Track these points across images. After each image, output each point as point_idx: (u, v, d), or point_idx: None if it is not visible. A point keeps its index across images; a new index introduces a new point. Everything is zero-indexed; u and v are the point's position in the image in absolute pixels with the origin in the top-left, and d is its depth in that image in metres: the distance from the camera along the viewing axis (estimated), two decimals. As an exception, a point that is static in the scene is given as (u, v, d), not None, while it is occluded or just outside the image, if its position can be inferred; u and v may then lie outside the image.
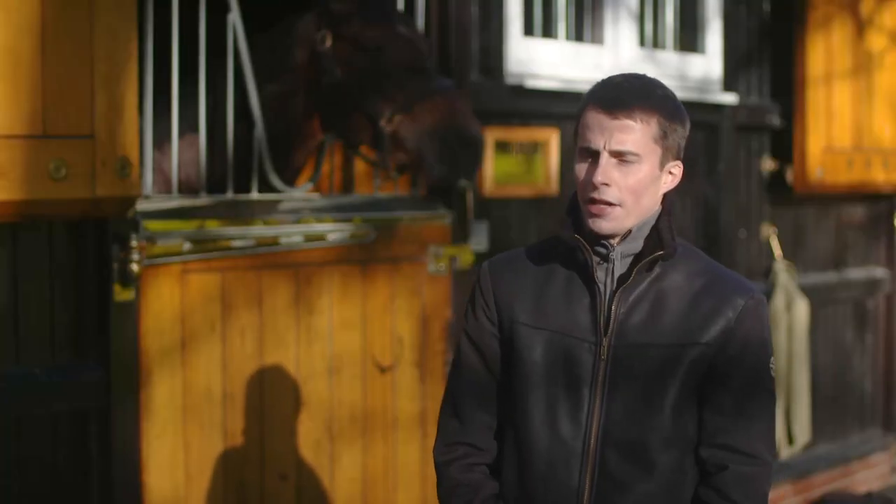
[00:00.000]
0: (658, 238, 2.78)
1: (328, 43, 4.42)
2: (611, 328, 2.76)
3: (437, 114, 4.37)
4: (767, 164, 6.72)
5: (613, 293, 2.77)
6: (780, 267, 6.70)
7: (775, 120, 6.69)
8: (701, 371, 2.76)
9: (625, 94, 2.71)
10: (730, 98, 6.37)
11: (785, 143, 6.68)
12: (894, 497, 6.84)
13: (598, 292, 2.78)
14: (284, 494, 4.44)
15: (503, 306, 2.86)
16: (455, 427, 2.91)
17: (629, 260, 2.79)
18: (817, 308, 6.96)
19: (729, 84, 6.47)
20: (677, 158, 2.80)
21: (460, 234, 4.95)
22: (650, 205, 2.78)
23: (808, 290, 6.82)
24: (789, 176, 6.66)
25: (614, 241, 2.77)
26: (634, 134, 2.70)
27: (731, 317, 2.76)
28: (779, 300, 6.62)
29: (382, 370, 4.69)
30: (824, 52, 6.67)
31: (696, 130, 6.23)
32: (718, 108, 6.35)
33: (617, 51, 5.87)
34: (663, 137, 2.73)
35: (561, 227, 2.82)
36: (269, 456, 4.40)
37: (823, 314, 7.09)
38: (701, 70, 6.34)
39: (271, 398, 4.41)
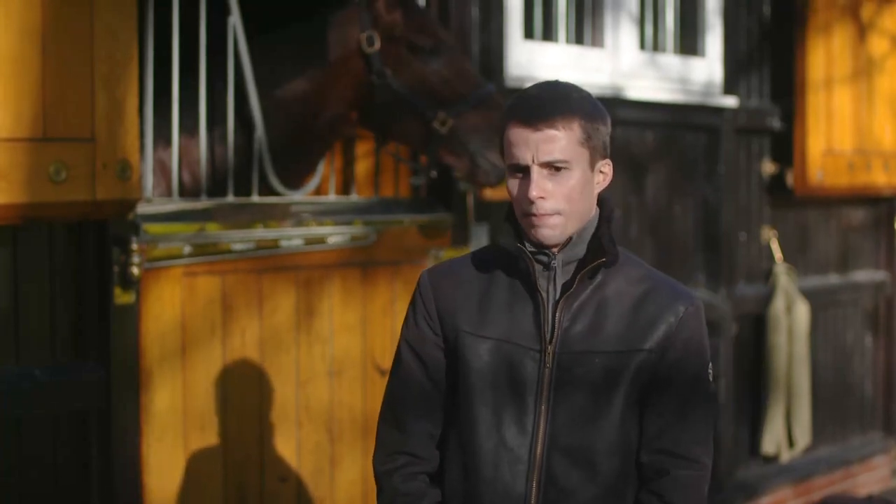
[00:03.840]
0: (599, 246, 2.79)
1: (377, 45, 4.47)
2: (554, 336, 2.78)
3: (490, 119, 4.48)
4: (768, 167, 6.72)
5: (557, 301, 2.79)
6: (781, 269, 6.70)
7: (776, 123, 6.69)
8: (644, 377, 2.79)
9: (543, 105, 2.73)
10: (730, 101, 6.38)
11: (785, 146, 6.69)
12: (895, 500, 6.84)
13: (541, 301, 2.79)
14: (285, 497, 4.45)
15: (445, 315, 2.87)
16: (395, 437, 2.91)
17: (571, 267, 2.80)
18: (818, 311, 6.96)
19: (729, 87, 6.47)
20: (605, 157, 2.81)
21: (461, 237, 4.96)
22: (587, 208, 2.80)
23: (808, 293, 6.82)
24: (790, 179, 6.66)
25: (555, 249, 2.79)
26: (560, 142, 2.71)
27: (673, 322, 2.79)
28: (779, 303, 6.63)
29: (383, 373, 4.69)
30: (825, 55, 6.68)
31: (697, 133, 6.29)
32: (719, 110, 6.36)
33: (617, 54, 5.87)
34: (588, 139, 2.75)
35: (502, 236, 2.84)
36: (269, 458, 4.40)
37: (824, 317, 7.10)
38: (701, 73, 6.34)
39: (271, 401, 4.41)
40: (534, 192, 2.71)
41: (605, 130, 2.79)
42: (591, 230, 2.81)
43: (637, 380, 2.78)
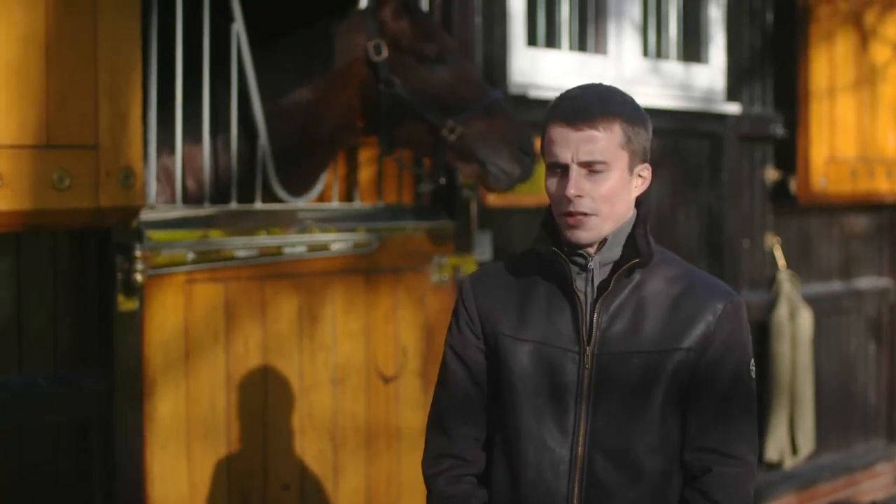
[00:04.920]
0: (634, 246, 2.81)
1: (385, 53, 4.46)
2: (593, 337, 2.80)
3: (498, 125, 4.50)
4: (771, 174, 6.72)
5: (594, 302, 2.81)
6: (784, 277, 6.69)
7: (779, 130, 6.69)
8: (684, 376, 2.81)
9: (585, 106, 2.76)
10: (733, 108, 6.37)
11: (788, 153, 6.68)
12: (898, 507, 6.84)
13: (578, 302, 2.82)
14: (288, 504, 4.45)
15: (486, 319, 2.90)
16: (442, 441, 2.95)
17: (608, 268, 2.83)
18: (821, 318, 6.95)
19: (732, 94, 6.47)
20: (645, 161, 2.85)
21: (463, 244, 4.95)
22: (624, 210, 2.83)
23: (811, 300, 6.82)
24: (793, 186, 6.66)
25: (591, 250, 2.81)
26: (599, 143, 2.74)
27: (712, 321, 2.81)
28: (782, 310, 6.62)
29: (386, 380, 4.69)
30: (828, 62, 6.68)
31: (700, 140, 6.29)
32: (722, 118, 6.35)
33: (620, 61, 5.87)
34: (628, 142, 2.78)
35: (537, 241, 2.87)
36: (272, 466, 4.40)
37: (827, 324, 7.08)
38: (705, 80, 6.34)
39: (274, 408, 4.41)
40: (571, 190, 2.73)
41: (646, 135, 2.83)
42: (627, 231, 2.84)
43: (676, 379, 2.79)
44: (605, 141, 2.74)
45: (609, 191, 2.76)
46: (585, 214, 2.75)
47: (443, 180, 4.75)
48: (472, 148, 4.49)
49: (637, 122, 2.80)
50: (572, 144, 2.74)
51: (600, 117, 2.74)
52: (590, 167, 2.74)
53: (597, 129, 2.73)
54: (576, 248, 2.81)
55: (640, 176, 2.84)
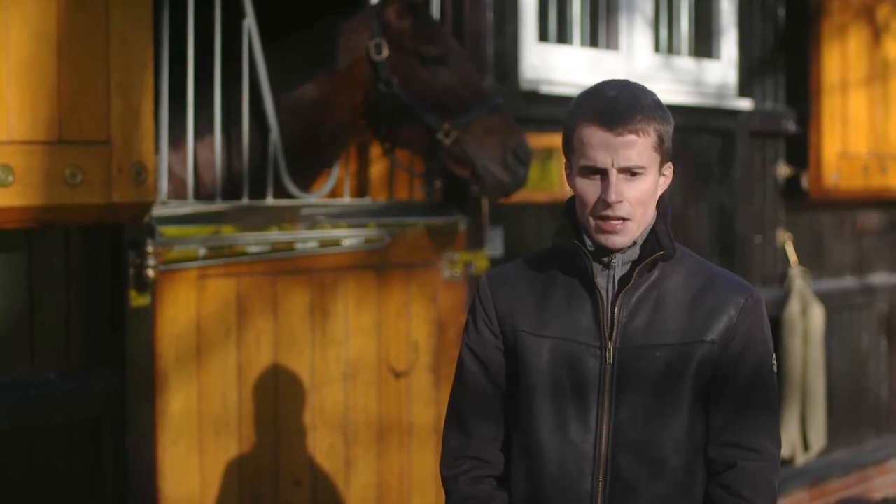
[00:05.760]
0: (656, 241, 2.80)
1: (385, 53, 4.46)
2: (614, 332, 2.78)
3: (495, 131, 4.48)
4: (783, 170, 6.71)
5: (615, 297, 2.79)
6: (796, 273, 6.68)
7: (791, 125, 6.68)
8: (707, 370, 2.79)
9: (623, 109, 2.71)
10: (745, 104, 6.36)
11: (800, 149, 6.67)
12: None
13: (599, 297, 2.80)
14: (299, 500, 4.45)
15: (504, 317, 2.88)
16: (461, 441, 2.93)
17: (629, 265, 2.81)
18: (833, 314, 6.94)
19: (744, 90, 6.46)
20: (669, 160, 2.82)
21: (475, 240, 4.95)
22: (653, 210, 2.81)
23: (823, 296, 6.81)
24: (805, 181, 6.65)
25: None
26: (638, 147, 2.71)
27: (734, 314, 2.80)
28: (794, 306, 6.61)
29: (397, 376, 4.69)
30: (840, 57, 6.67)
31: (712, 136, 6.28)
32: (734, 113, 6.34)
33: (632, 57, 5.87)
34: (661, 143, 2.75)
35: (558, 234, 2.84)
36: (283, 462, 4.41)
37: (839, 320, 7.07)
38: (716, 76, 6.33)
39: (286, 404, 4.41)
40: (612, 196, 2.70)
41: (672, 133, 2.79)
42: (649, 228, 2.81)
43: (700, 373, 2.78)
44: (642, 145, 2.70)
45: (644, 194, 2.73)
46: (623, 219, 2.73)
47: (438, 183, 4.74)
48: (467, 153, 4.48)
49: (667, 121, 2.76)
50: (612, 149, 2.69)
51: (639, 120, 2.70)
52: (628, 172, 2.71)
53: (637, 133, 2.69)
54: (604, 250, 2.78)
55: (663, 175, 2.81)
